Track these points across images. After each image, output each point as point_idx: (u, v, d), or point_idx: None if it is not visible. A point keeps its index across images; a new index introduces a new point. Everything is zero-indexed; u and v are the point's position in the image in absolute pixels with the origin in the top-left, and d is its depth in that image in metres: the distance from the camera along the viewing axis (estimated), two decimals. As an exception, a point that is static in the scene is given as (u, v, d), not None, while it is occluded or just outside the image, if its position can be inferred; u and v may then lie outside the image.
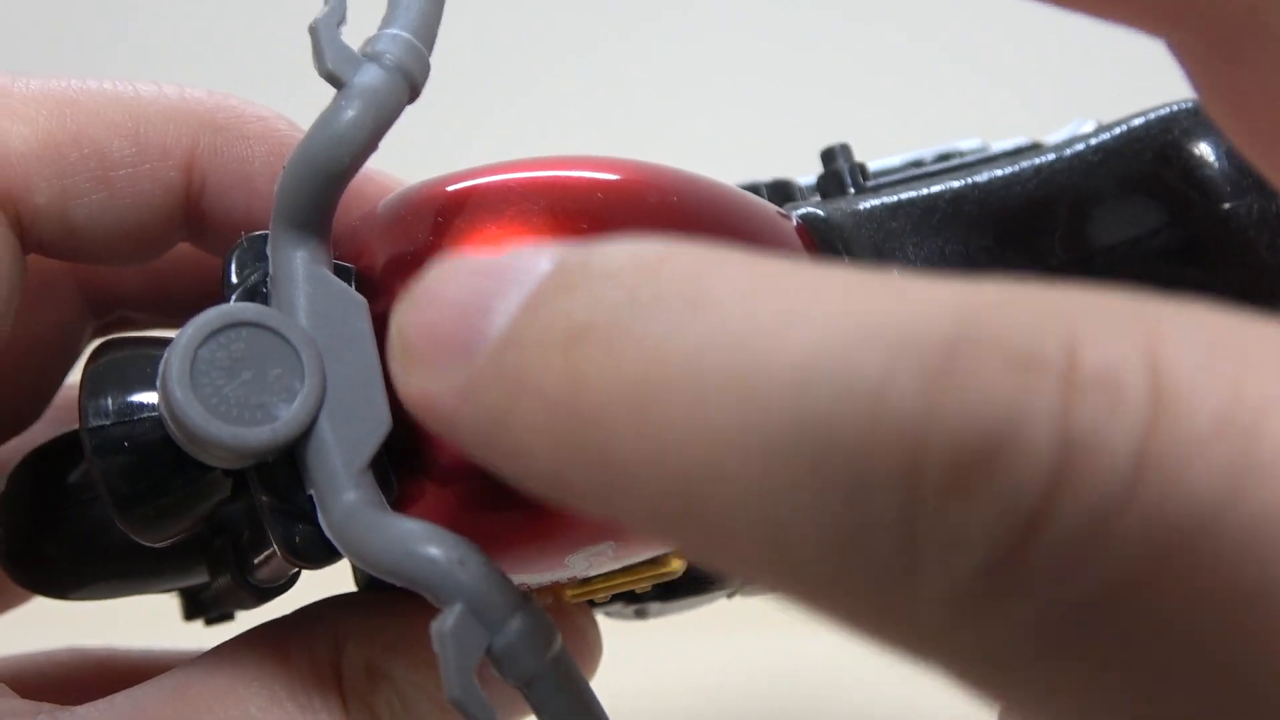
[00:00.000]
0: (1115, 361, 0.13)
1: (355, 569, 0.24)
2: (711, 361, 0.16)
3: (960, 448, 0.14)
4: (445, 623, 0.17)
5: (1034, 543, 0.13)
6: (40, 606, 0.28)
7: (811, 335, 0.15)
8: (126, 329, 0.30)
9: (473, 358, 0.19)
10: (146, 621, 0.30)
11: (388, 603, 0.23)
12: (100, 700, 0.21)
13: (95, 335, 0.29)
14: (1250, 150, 0.20)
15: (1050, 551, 0.13)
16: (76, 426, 0.21)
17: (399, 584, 0.18)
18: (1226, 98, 0.19)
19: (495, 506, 0.21)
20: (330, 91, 0.20)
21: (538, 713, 0.18)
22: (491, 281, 0.20)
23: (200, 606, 0.27)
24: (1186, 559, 0.12)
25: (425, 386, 0.20)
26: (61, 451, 0.25)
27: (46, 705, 0.22)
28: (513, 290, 0.20)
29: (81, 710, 0.21)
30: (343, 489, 0.18)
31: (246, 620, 0.24)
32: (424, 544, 0.18)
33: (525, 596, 0.18)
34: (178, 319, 0.29)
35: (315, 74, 0.20)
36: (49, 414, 0.29)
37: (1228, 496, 0.12)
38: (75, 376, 0.29)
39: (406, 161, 0.25)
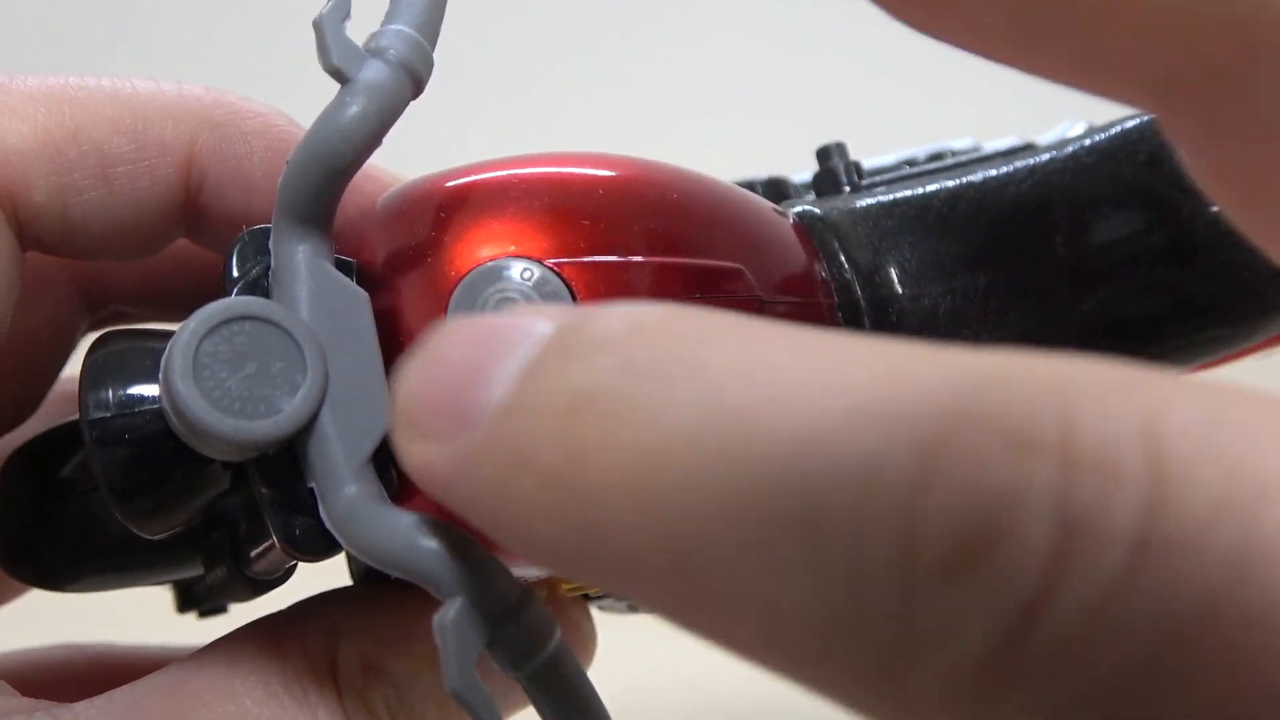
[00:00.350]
0: (1113, 441, 0.13)
1: (351, 561, 0.24)
2: (708, 436, 0.16)
3: (957, 531, 0.13)
4: (446, 615, 0.17)
5: (1034, 630, 0.13)
6: (37, 600, 0.28)
7: (806, 411, 0.15)
8: (121, 324, 0.30)
9: (472, 428, 0.19)
10: (140, 614, 0.30)
11: (383, 597, 0.23)
12: (97, 697, 0.21)
13: (90, 330, 0.29)
14: (1241, 221, 0.19)
15: (1050, 639, 0.13)
16: (70, 420, 0.21)
17: (400, 576, 0.18)
18: (1215, 172, 0.19)
19: None
20: (333, 87, 0.20)
21: (537, 705, 0.18)
22: (491, 346, 0.20)
23: (194, 599, 0.27)
24: (1186, 649, 0.12)
25: (425, 455, 0.20)
26: (56, 444, 0.25)
27: (44, 703, 0.22)
28: (512, 356, 0.19)
29: (79, 707, 0.21)
30: (344, 482, 0.18)
31: (240, 614, 0.24)
32: (425, 537, 0.18)
33: (525, 589, 0.18)
34: (173, 314, 0.29)
35: (317, 69, 0.20)
36: (42, 409, 0.29)
37: (1228, 583, 0.12)
38: (69, 372, 0.29)
39: (406, 158, 0.25)
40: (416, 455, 0.20)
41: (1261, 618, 0.12)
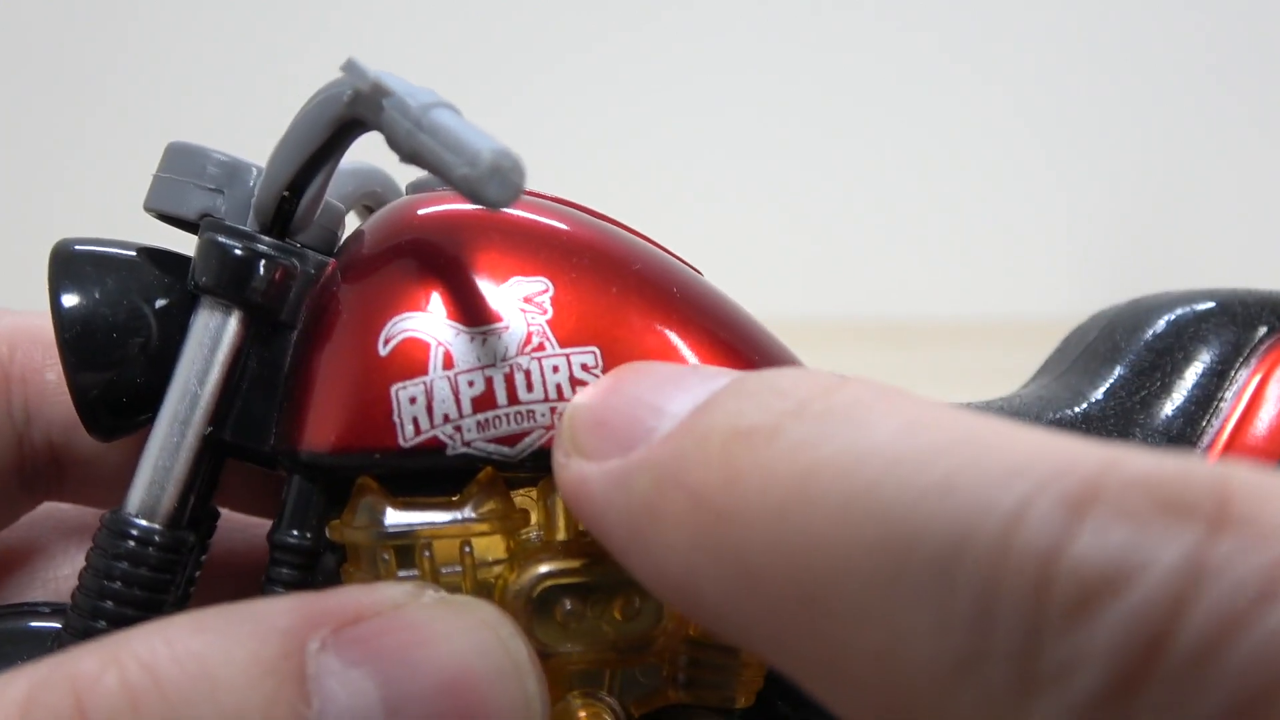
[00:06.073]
0: (1266, 514, 0.14)
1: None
2: (862, 476, 0.17)
3: (1093, 570, 0.14)
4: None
5: (1156, 660, 0.14)
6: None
7: (961, 461, 0.16)
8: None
9: (633, 451, 0.20)
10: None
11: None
12: None
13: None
14: None
15: (1172, 668, 0.14)
16: None
17: None
18: None
19: None
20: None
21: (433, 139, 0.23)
22: (668, 386, 0.21)
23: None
24: None
25: (582, 471, 0.21)
26: None
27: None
28: (686, 394, 0.21)
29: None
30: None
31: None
32: None
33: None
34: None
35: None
36: None
37: None
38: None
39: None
40: (573, 471, 0.22)
41: None
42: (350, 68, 0.24)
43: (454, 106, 0.25)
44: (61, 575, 0.34)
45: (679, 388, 0.21)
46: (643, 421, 0.21)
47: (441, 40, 1.05)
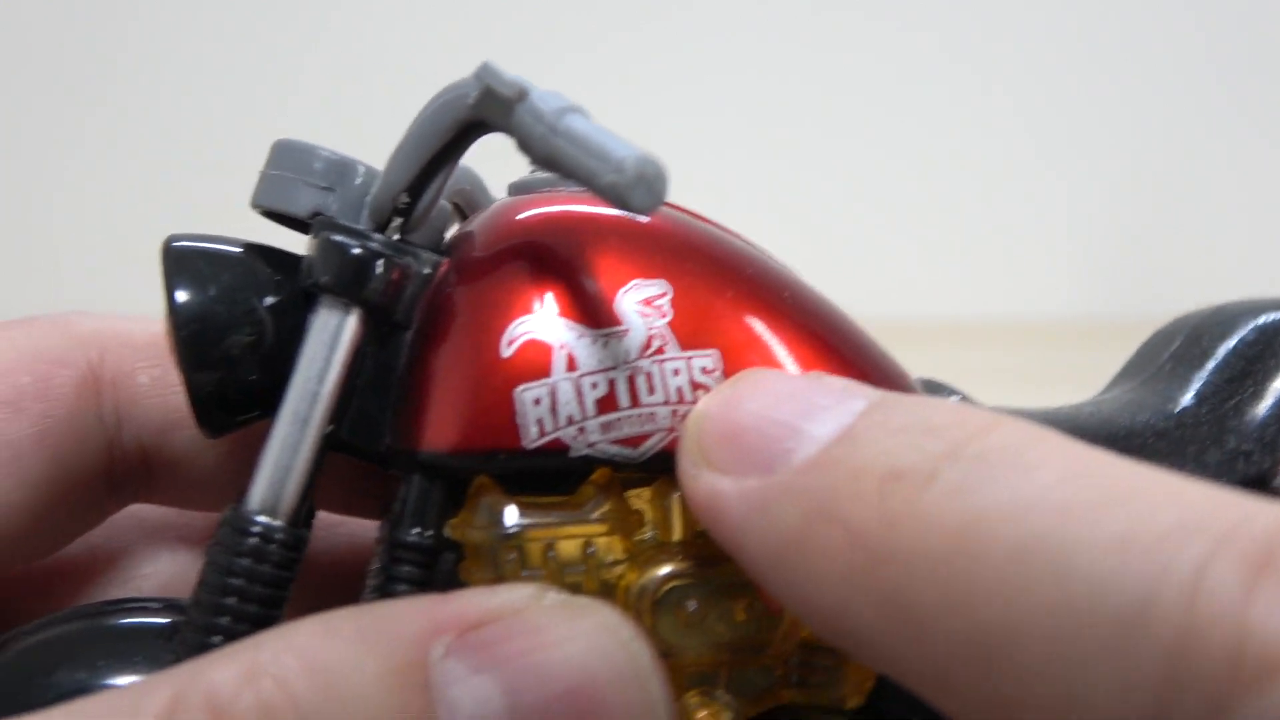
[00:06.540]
0: None
1: None
2: (1029, 527, 0.17)
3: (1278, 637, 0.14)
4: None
5: None
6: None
7: (1133, 515, 0.16)
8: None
9: (772, 472, 0.20)
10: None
11: None
12: None
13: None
14: None
15: None
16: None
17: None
18: None
19: None
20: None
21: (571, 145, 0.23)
22: (800, 404, 0.21)
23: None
24: None
25: (715, 487, 0.21)
26: None
27: None
28: (826, 418, 0.20)
29: None
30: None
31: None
32: None
33: None
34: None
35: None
36: None
37: None
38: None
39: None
40: (704, 484, 0.21)
41: None
42: (487, 71, 0.25)
43: (584, 110, 0.25)
44: (143, 575, 0.34)
45: (814, 406, 0.21)
46: (779, 441, 0.21)
47: (441, 41, 1.05)
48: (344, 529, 0.34)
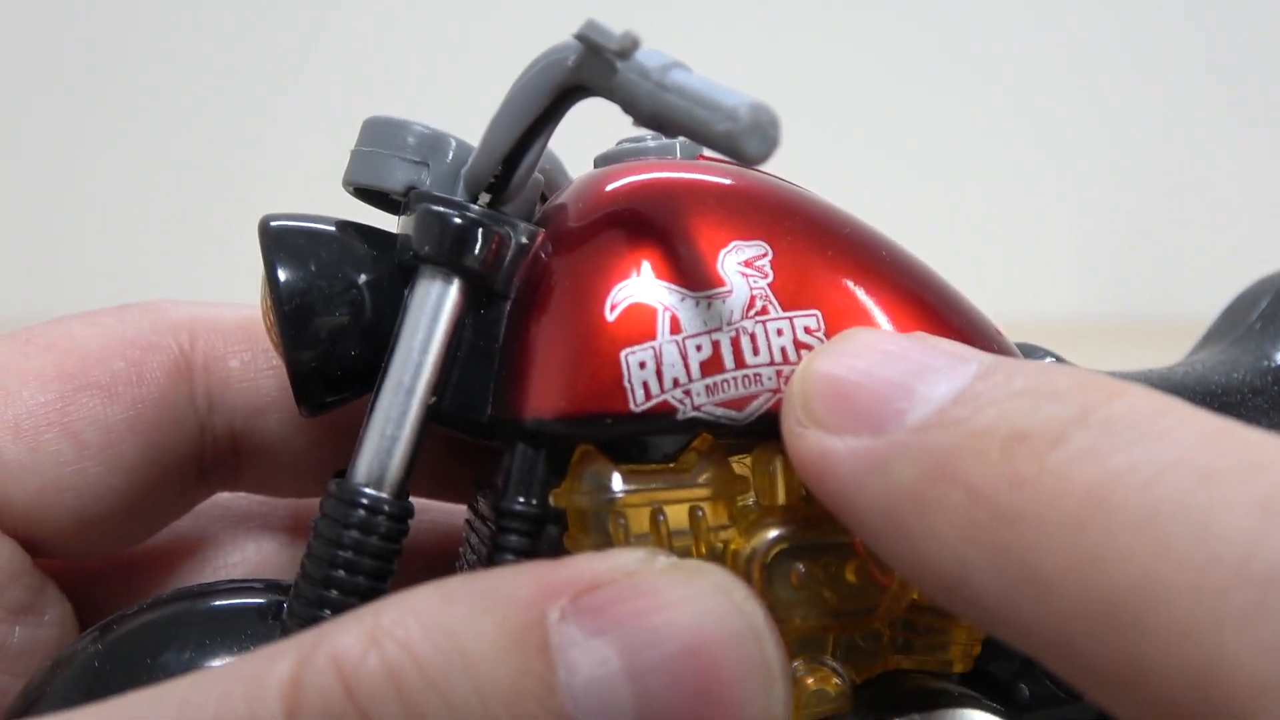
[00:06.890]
0: None
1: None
2: (1169, 488, 0.16)
3: None
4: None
5: None
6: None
7: (1273, 482, 0.16)
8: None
9: (885, 432, 0.20)
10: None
11: None
12: None
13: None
14: None
15: None
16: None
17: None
18: None
19: None
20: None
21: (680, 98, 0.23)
22: (910, 364, 0.21)
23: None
24: None
25: (824, 445, 0.20)
26: None
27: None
28: (940, 379, 0.20)
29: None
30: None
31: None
32: None
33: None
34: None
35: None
36: None
37: None
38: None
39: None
40: (811, 442, 0.21)
41: None
42: (593, 28, 0.24)
43: (687, 65, 0.25)
44: (230, 563, 0.34)
45: (925, 367, 0.21)
46: (891, 401, 0.21)
47: (442, 39, 1.05)
48: (427, 515, 0.34)
